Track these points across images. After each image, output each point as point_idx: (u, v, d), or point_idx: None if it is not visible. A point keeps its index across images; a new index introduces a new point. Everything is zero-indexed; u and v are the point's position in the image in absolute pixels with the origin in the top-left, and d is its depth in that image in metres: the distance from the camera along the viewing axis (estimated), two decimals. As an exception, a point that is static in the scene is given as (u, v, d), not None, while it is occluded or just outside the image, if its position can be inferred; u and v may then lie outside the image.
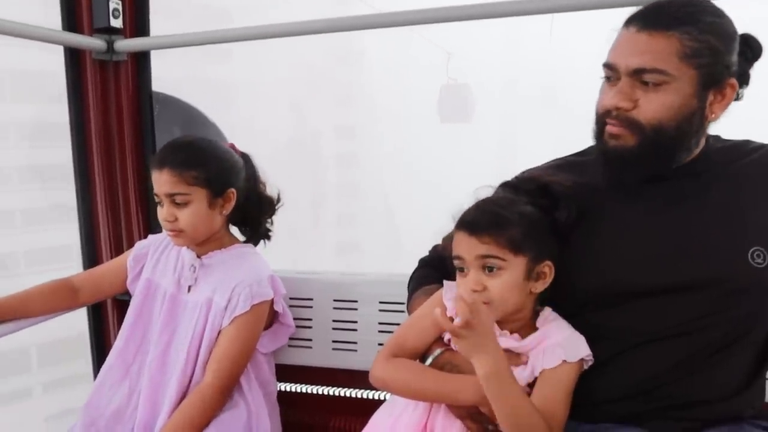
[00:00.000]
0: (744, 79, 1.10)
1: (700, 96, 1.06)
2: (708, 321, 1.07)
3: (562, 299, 1.12)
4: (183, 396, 1.39)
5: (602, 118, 1.11)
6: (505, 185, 1.16)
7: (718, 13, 1.07)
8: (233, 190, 1.45)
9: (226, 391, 1.40)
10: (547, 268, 1.09)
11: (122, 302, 1.75)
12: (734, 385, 1.09)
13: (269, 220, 1.54)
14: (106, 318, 1.83)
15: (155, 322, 1.47)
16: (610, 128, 1.09)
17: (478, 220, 1.07)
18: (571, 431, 1.07)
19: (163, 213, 1.41)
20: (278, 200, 1.55)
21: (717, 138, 1.18)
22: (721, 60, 1.06)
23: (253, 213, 1.52)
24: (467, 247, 1.07)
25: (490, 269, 1.06)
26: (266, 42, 1.71)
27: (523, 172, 1.25)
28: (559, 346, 1.08)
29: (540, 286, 1.10)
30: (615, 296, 1.11)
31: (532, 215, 1.09)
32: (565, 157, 1.29)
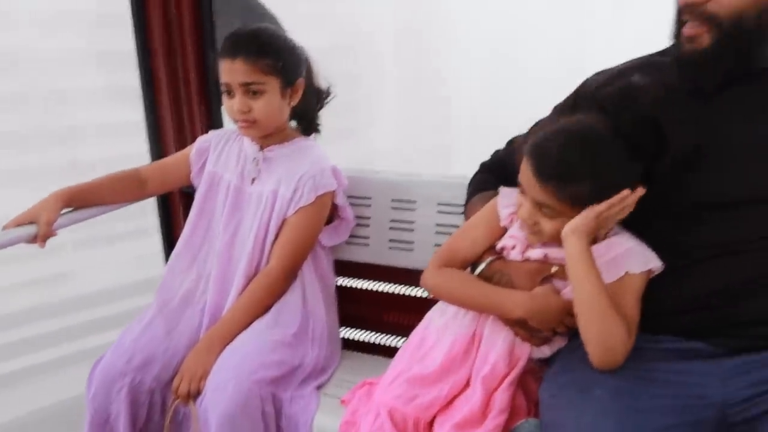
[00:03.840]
0: None
1: None
2: None
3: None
4: (250, 281, 1.45)
5: (679, 17, 1.05)
6: (608, 114, 1.03)
7: None
8: (302, 80, 1.43)
9: (290, 275, 1.46)
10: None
11: (188, 194, 1.80)
12: None
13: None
14: (174, 210, 1.90)
15: (219, 213, 1.51)
16: (686, 29, 1.03)
17: (545, 165, 1.01)
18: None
19: (235, 103, 1.38)
20: (328, 93, 1.52)
21: None
22: None
23: (310, 105, 1.50)
24: (532, 185, 1.03)
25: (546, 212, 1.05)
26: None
27: (596, 75, 1.19)
28: (622, 257, 1.05)
29: None
30: (691, 206, 1.06)
31: (606, 164, 1.00)
32: (647, 56, 1.19)
